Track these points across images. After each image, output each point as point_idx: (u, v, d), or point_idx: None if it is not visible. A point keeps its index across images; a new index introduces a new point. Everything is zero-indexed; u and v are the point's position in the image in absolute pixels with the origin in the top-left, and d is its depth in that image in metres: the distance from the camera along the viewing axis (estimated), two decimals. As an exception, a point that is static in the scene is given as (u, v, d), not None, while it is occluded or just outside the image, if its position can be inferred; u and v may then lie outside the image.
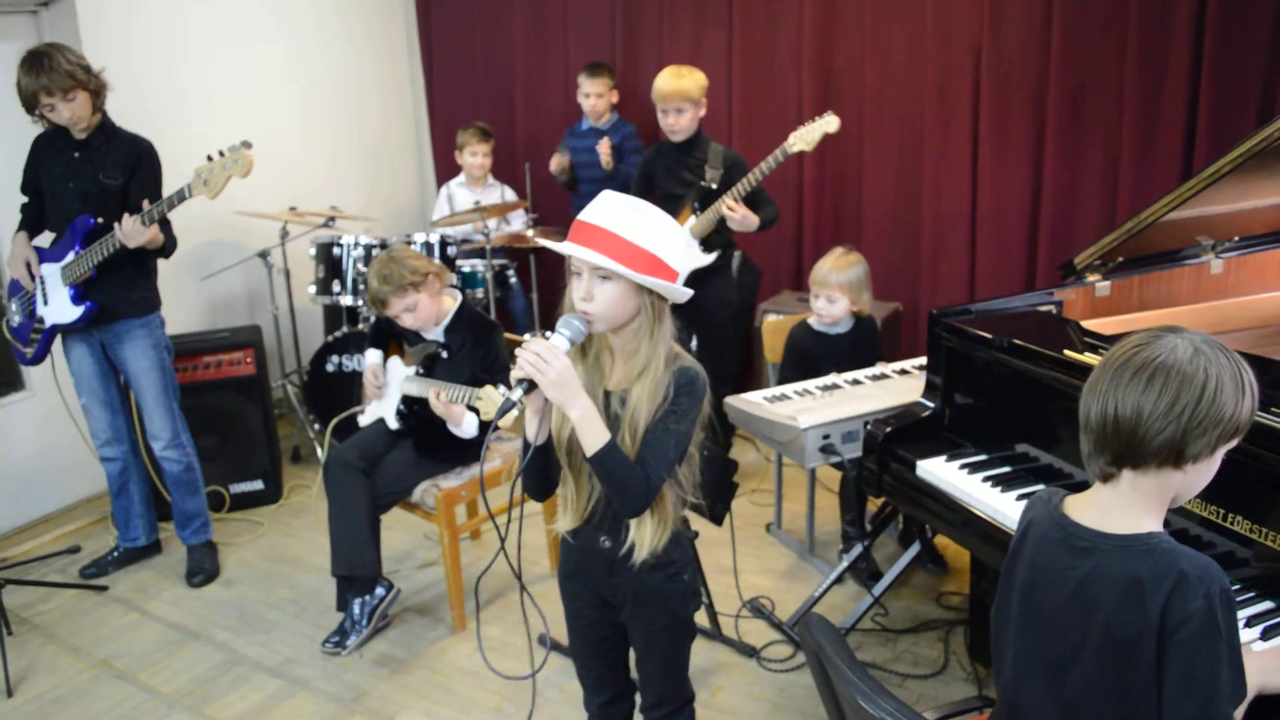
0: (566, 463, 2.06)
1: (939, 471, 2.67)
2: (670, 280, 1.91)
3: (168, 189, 3.61)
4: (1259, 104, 3.77)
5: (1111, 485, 1.58)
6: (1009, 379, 2.64)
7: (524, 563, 2.03)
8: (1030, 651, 1.69)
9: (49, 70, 3.32)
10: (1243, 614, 1.93)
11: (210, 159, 3.33)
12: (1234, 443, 1.54)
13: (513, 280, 5.25)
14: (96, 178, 3.52)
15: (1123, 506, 1.57)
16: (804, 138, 3.94)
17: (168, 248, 3.61)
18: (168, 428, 3.80)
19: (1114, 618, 1.53)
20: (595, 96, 4.99)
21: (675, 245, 1.93)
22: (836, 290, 3.55)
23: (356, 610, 3.36)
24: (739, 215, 3.99)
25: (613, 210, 1.90)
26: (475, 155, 5.27)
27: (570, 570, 2.23)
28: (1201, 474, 1.56)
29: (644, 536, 2.04)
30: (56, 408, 4.13)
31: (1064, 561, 1.61)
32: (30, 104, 3.40)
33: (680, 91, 4.07)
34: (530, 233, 5.10)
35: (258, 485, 4.48)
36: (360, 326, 4.71)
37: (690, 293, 1.96)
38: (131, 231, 3.39)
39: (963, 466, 2.66)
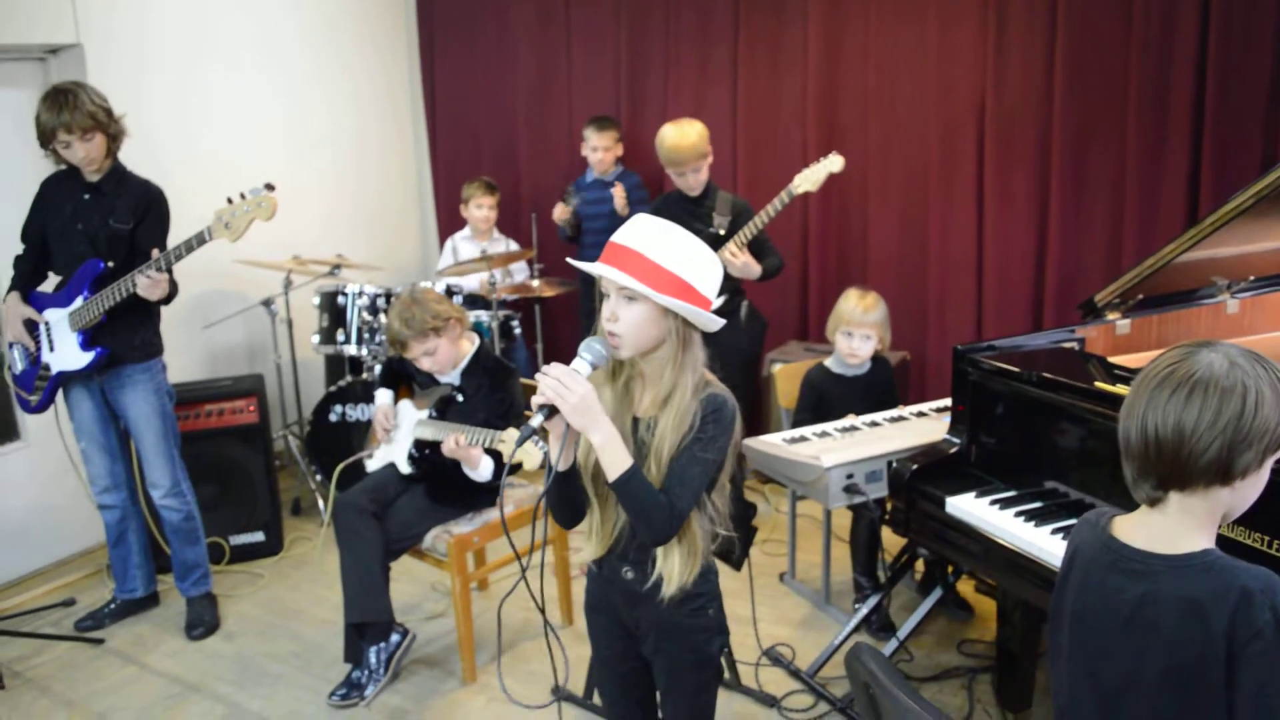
0: (592, 489, 2.02)
1: (970, 508, 2.63)
2: (701, 306, 1.88)
3: (174, 239, 3.58)
4: (1262, 148, 3.83)
5: (1160, 509, 1.55)
6: (1037, 414, 2.62)
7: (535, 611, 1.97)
8: (1083, 678, 1.64)
9: (72, 108, 3.30)
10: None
11: (230, 201, 3.30)
12: None
13: (517, 331, 5.22)
14: (106, 221, 3.48)
15: (1173, 528, 1.53)
16: (809, 179, 3.96)
17: (170, 294, 3.57)
18: (168, 475, 3.72)
19: (1176, 641, 1.48)
20: (603, 150, 5.02)
21: (707, 271, 1.90)
22: (871, 328, 3.55)
23: (373, 658, 3.26)
24: (739, 262, 3.99)
25: (644, 233, 1.88)
26: (481, 208, 5.27)
27: (595, 602, 2.17)
28: (1251, 489, 1.52)
29: (672, 569, 1.98)
30: (53, 459, 4.05)
31: (1114, 585, 1.57)
32: (46, 139, 3.38)
33: (693, 151, 4.07)
34: (535, 283, 5.09)
35: (259, 537, 4.38)
36: (364, 376, 4.66)
37: (722, 321, 1.93)
38: (149, 287, 3.35)
39: (994, 502, 2.62)
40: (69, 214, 3.51)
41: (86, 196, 3.50)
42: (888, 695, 1.68)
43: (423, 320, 3.18)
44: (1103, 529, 1.63)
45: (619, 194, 4.88)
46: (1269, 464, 1.51)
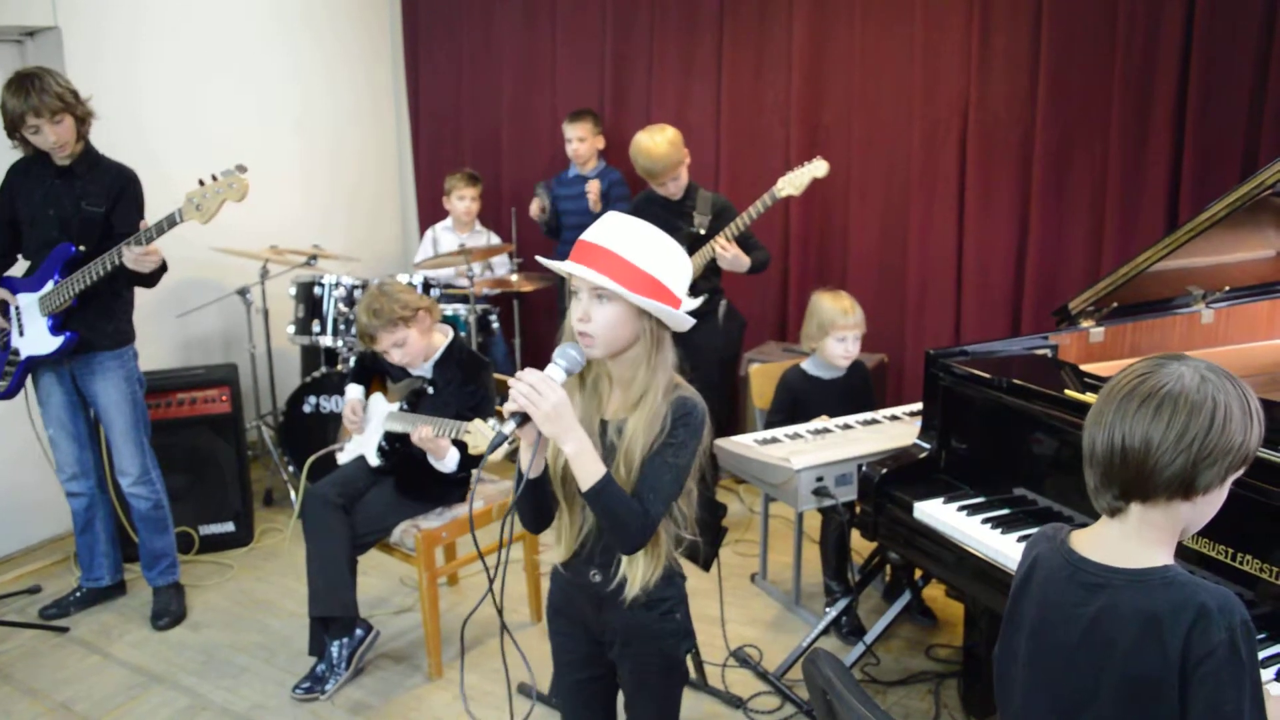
0: (561, 493, 1.99)
1: (937, 513, 2.62)
2: (672, 306, 1.86)
3: (150, 223, 3.54)
4: (1241, 158, 3.83)
5: (1119, 520, 1.54)
6: (1007, 420, 2.61)
7: (504, 611, 1.94)
8: (1040, 692, 1.62)
9: (39, 91, 3.26)
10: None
11: (202, 183, 3.27)
12: (1242, 471, 1.50)
13: (495, 326, 5.20)
14: (79, 205, 3.44)
15: (1132, 540, 1.52)
16: (792, 183, 3.95)
17: (158, 274, 3.52)
18: (136, 463, 3.68)
19: (1132, 656, 1.47)
20: (578, 141, 5.00)
21: (679, 270, 1.87)
22: (858, 327, 3.55)
23: (335, 653, 3.24)
24: (730, 255, 4.00)
25: (616, 230, 1.85)
26: (463, 199, 5.25)
27: (559, 605, 2.14)
28: (1210, 505, 1.51)
29: (636, 572, 1.96)
30: (20, 444, 4.00)
31: (1073, 598, 1.55)
32: (14, 125, 3.34)
33: (667, 160, 4.05)
34: (514, 278, 5.06)
35: (229, 527, 4.34)
36: (339, 368, 4.62)
37: (693, 321, 1.91)
38: (140, 258, 3.29)
39: (961, 508, 2.61)
40: (40, 199, 3.47)
41: (57, 180, 3.46)
42: (843, 703, 1.66)
43: (390, 311, 3.16)
44: (1061, 542, 1.62)
45: (593, 190, 4.86)
46: (1230, 482, 1.50)
